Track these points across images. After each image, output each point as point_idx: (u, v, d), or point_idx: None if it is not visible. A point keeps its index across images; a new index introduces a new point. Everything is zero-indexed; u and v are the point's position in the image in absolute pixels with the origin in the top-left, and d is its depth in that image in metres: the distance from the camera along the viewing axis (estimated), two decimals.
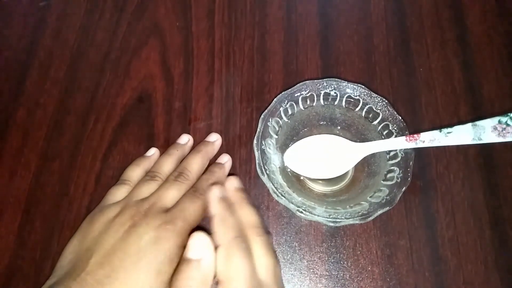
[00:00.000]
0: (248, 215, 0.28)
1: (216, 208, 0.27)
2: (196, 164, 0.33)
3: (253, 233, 0.26)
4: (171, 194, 0.30)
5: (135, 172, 0.33)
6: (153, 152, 0.35)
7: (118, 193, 0.31)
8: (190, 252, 0.24)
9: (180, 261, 0.25)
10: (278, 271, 0.26)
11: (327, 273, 0.32)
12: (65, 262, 0.27)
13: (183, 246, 0.26)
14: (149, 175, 0.32)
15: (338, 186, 0.34)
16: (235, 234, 0.25)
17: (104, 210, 0.29)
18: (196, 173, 0.32)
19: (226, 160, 0.35)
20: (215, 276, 0.24)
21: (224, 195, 0.28)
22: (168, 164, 0.33)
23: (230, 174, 0.34)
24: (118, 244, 0.26)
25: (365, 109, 0.32)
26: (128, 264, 0.25)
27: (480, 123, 0.26)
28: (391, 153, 0.31)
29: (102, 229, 0.28)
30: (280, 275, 0.27)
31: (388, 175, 0.30)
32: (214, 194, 0.28)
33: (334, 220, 0.27)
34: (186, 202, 0.29)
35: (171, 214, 0.28)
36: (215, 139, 0.36)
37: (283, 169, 0.32)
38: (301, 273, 0.32)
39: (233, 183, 0.30)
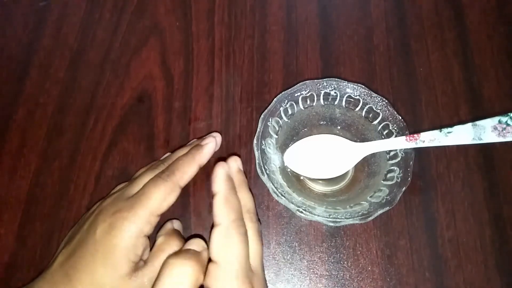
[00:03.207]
0: (246, 199, 0.28)
1: (220, 186, 0.27)
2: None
3: (248, 218, 0.27)
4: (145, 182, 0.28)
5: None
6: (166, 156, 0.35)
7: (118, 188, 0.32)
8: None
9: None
10: (262, 258, 0.28)
11: (327, 273, 0.32)
12: (58, 252, 0.28)
13: (147, 236, 0.26)
14: None
15: (338, 186, 0.34)
16: (235, 216, 0.26)
17: (98, 203, 0.30)
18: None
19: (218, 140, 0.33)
20: None
21: (229, 174, 0.28)
22: None
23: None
24: (82, 235, 0.26)
25: (365, 109, 0.32)
26: (88, 255, 0.25)
27: (480, 123, 0.26)
28: (391, 153, 0.31)
29: (86, 219, 0.28)
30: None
31: (388, 175, 0.30)
32: (220, 172, 0.27)
33: (334, 220, 0.27)
34: (148, 186, 0.27)
35: (130, 200, 0.26)
36: (206, 142, 0.32)
37: (283, 169, 0.32)
38: (301, 273, 0.32)
39: (237, 163, 0.30)
